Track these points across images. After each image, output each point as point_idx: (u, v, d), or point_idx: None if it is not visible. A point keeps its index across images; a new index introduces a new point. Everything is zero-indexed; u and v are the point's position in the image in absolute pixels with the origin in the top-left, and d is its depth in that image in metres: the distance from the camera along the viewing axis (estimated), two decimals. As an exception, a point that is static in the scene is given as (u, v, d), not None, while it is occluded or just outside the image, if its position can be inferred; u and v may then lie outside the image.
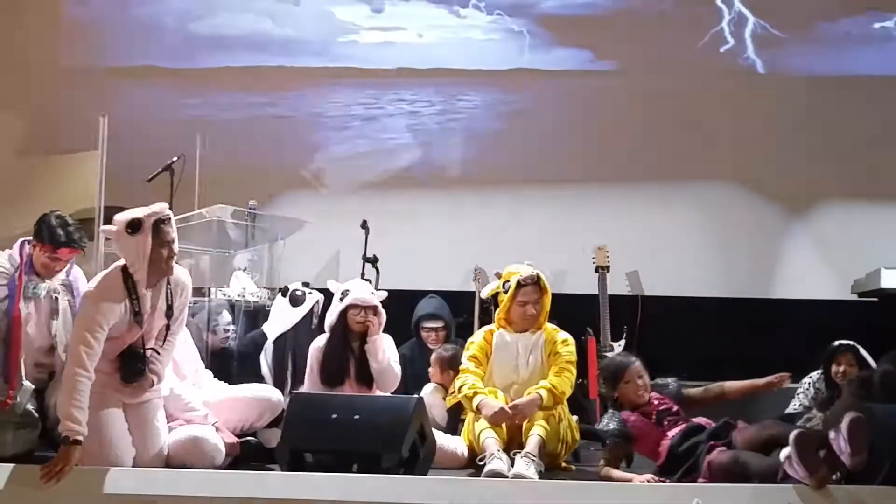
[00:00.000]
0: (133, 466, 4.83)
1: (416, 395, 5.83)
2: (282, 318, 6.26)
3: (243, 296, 6.92)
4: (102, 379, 4.77)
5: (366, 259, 7.50)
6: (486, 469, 4.96)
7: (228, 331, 6.78)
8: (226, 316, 6.84)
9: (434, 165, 9.03)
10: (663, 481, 4.83)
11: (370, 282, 6.68)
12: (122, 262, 4.89)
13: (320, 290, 6.34)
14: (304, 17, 9.25)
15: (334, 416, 4.94)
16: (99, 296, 4.79)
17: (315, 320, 6.33)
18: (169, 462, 4.98)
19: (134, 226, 4.80)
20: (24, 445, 5.08)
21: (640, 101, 8.82)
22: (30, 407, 5.16)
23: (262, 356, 6.25)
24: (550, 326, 5.66)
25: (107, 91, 8.92)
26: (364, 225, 7.58)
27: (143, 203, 5.00)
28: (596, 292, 7.53)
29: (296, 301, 6.27)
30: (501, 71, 9.07)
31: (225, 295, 6.89)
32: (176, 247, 4.92)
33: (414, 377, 6.42)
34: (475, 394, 5.33)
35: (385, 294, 5.96)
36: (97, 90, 8.89)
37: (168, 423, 5.08)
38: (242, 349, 6.71)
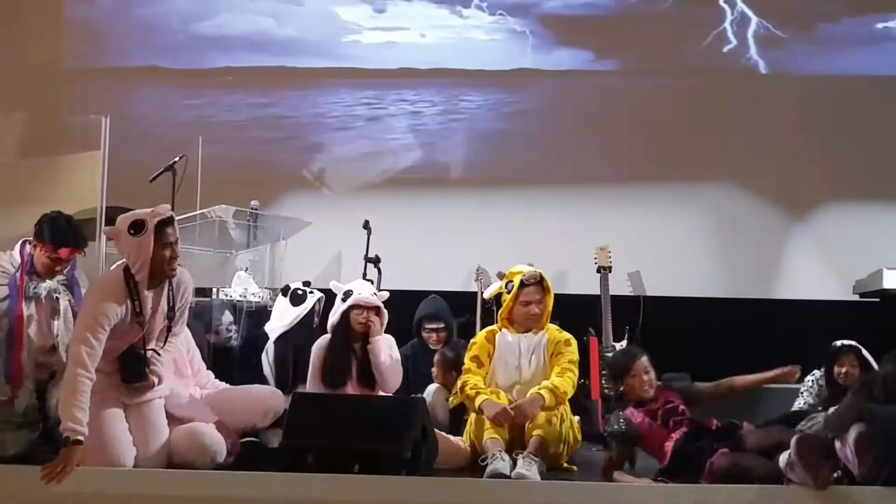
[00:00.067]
0: (134, 467, 4.83)
1: (418, 396, 5.85)
2: (283, 318, 6.26)
3: (245, 296, 6.92)
4: (103, 379, 4.77)
5: (367, 259, 7.50)
6: (487, 470, 4.95)
7: (231, 331, 6.79)
8: (228, 316, 6.84)
9: (436, 166, 9.03)
10: (665, 482, 4.84)
11: (372, 282, 6.67)
12: (123, 262, 4.88)
13: (322, 290, 6.34)
14: (307, 17, 9.24)
15: (336, 416, 4.95)
16: (100, 296, 4.79)
17: (316, 319, 6.34)
18: (170, 457, 4.99)
19: (136, 227, 4.80)
20: (25, 445, 5.09)
21: (642, 101, 8.81)
22: (31, 407, 5.17)
23: (263, 356, 6.25)
24: (553, 327, 5.67)
25: (109, 91, 8.92)
26: (366, 225, 7.57)
27: (144, 203, 5.01)
28: (598, 293, 7.52)
29: (296, 300, 6.27)
30: (503, 71, 9.06)
31: (227, 295, 6.90)
32: (178, 248, 4.92)
33: (415, 378, 6.42)
34: (477, 394, 5.32)
35: (387, 294, 5.97)
36: (99, 90, 8.89)
37: (168, 423, 5.08)
38: (244, 349, 6.72)
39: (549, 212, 8.60)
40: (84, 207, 6.57)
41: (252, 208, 7.34)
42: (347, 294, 5.84)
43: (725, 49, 8.91)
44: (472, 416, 5.45)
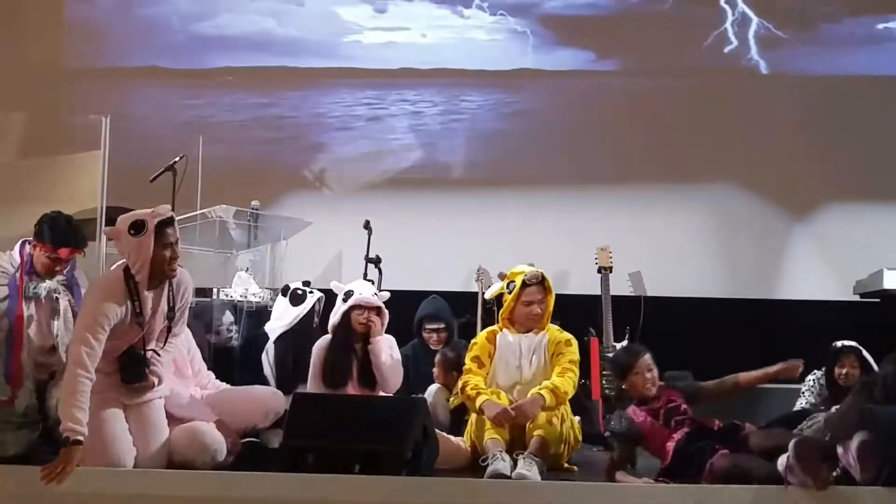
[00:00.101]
0: (134, 467, 4.83)
1: (419, 396, 5.84)
2: (282, 318, 6.26)
3: (245, 296, 6.92)
4: (103, 379, 4.77)
5: (368, 260, 7.49)
6: (488, 470, 4.95)
7: (231, 331, 6.78)
8: (228, 316, 6.84)
9: (437, 166, 9.02)
10: (667, 482, 4.84)
11: (373, 282, 6.67)
12: (123, 263, 4.88)
13: (322, 291, 6.33)
14: (308, 17, 9.24)
15: (336, 416, 4.94)
16: (100, 296, 4.78)
17: (316, 319, 6.33)
18: (170, 456, 4.99)
19: (137, 227, 4.79)
20: (25, 445, 5.09)
21: (643, 101, 8.81)
22: (31, 407, 5.17)
23: (263, 356, 6.24)
24: (553, 327, 5.67)
25: (109, 91, 8.91)
26: (367, 225, 7.56)
27: (145, 204, 5.00)
28: (598, 293, 7.52)
29: (296, 300, 6.27)
30: (504, 71, 9.06)
31: (227, 296, 6.90)
32: (178, 249, 4.92)
33: (416, 378, 6.42)
34: (478, 394, 5.32)
35: (388, 295, 5.97)
36: (99, 90, 8.89)
37: (169, 423, 5.08)
38: (245, 349, 6.72)
39: (549, 212, 8.60)
40: (84, 207, 6.57)
41: (253, 208, 7.34)
42: (348, 294, 5.84)
43: (726, 49, 8.90)
44: (473, 417, 5.45)
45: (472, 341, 5.72)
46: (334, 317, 5.86)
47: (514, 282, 5.64)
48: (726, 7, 8.91)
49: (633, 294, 8.05)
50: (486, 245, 8.19)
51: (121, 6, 9.30)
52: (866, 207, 8.56)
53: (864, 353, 6.02)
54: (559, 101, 8.98)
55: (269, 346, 6.24)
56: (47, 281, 5.34)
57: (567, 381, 5.34)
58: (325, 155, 9.02)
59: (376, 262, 7.49)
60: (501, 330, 5.65)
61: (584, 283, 7.70)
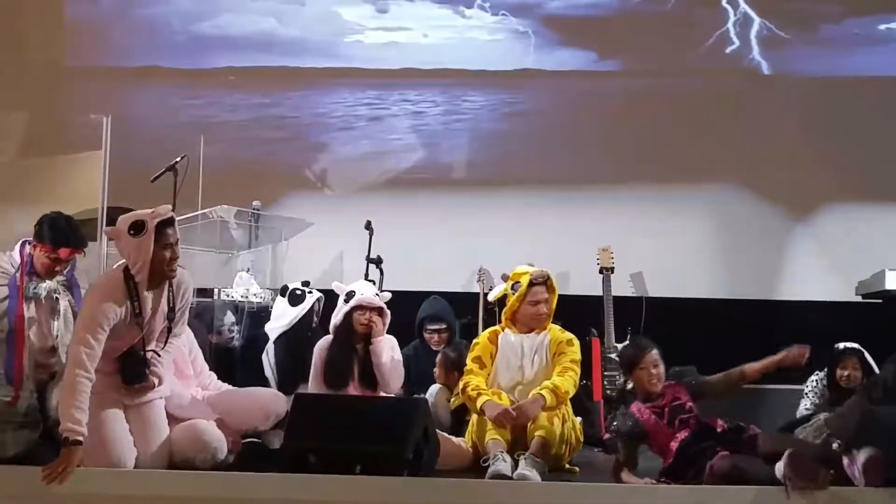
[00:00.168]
0: (134, 468, 4.82)
1: (420, 397, 5.84)
2: (282, 318, 6.25)
3: (247, 296, 6.92)
4: (103, 380, 4.77)
5: (370, 260, 7.49)
6: (489, 470, 4.95)
7: (232, 331, 6.78)
8: (230, 316, 6.84)
9: (438, 166, 9.01)
10: (669, 482, 4.83)
11: (374, 283, 6.66)
12: (123, 263, 4.87)
13: (323, 291, 6.33)
14: (309, 17, 9.22)
15: (337, 417, 4.94)
16: (100, 297, 4.77)
17: (316, 319, 6.33)
18: (170, 454, 4.98)
19: (137, 227, 4.79)
20: (25, 446, 5.08)
21: (644, 102, 8.80)
22: (31, 407, 5.16)
23: (263, 356, 6.24)
24: (555, 327, 5.67)
25: (110, 91, 8.89)
26: (368, 226, 7.56)
27: (145, 204, 5.00)
28: (600, 293, 7.52)
29: (295, 300, 6.26)
30: (506, 71, 9.04)
31: (228, 296, 6.89)
32: (178, 249, 4.91)
33: (417, 378, 6.42)
34: (479, 395, 5.31)
35: (389, 295, 5.96)
36: (100, 90, 8.87)
37: (169, 423, 5.07)
38: (246, 350, 6.71)
39: (551, 212, 8.58)
40: (84, 207, 6.57)
41: (254, 209, 7.34)
42: (350, 295, 5.84)
43: (728, 50, 8.89)
44: (474, 417, 5.44)
45: (474, 341, 5.72)
46: (336, 317, 5.86)
47: (518, 282, 5.64)
48: (728, 7, 8.90)
49: (634, 294, 8.05)
50: (488, 245, 8.18)
51: (122, 6, 9.29)
52: (868, 208, 8.55)
53: (866, 354, 6.00)
54: (561, 102, 8.97)
55: (270, 347, 6.24)
56: (47, 281, 5.33)
57: (567, 381, 5.34)
58: (326, 155, 9.01)
59: (378, 262, 7.49)
60: (504, 330, 5.65)
61: (586, 284, 7.69)
